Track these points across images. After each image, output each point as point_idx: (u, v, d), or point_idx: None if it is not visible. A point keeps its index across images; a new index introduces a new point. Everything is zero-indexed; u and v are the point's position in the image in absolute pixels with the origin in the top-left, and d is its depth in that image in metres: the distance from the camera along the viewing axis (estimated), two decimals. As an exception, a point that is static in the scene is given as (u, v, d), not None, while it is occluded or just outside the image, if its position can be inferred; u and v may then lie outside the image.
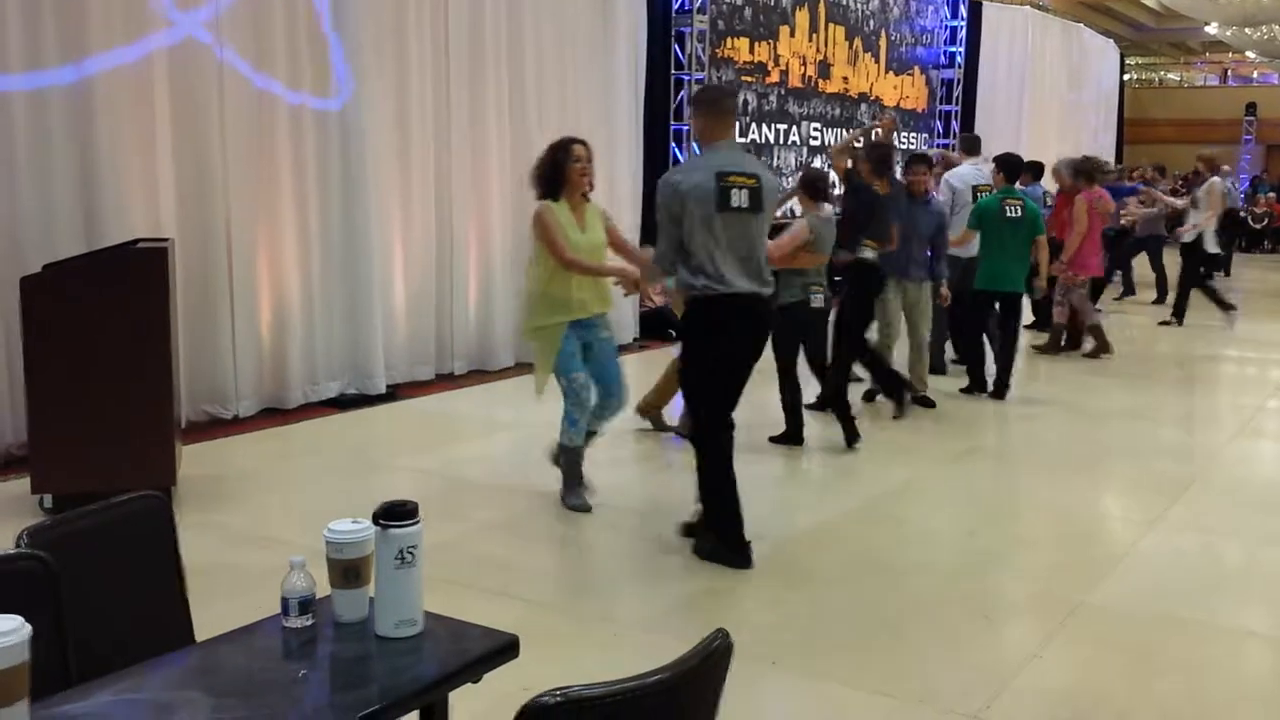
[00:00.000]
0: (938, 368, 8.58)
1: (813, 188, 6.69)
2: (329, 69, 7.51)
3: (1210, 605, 4.52)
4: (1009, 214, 8.02)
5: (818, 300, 6.62)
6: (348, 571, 2.20)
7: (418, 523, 2.21)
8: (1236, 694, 3.81)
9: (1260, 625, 4.42)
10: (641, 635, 4.11)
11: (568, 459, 5.43)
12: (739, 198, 4.57)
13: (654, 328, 10.43)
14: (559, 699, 1.63)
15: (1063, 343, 10.14)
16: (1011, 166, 8.36)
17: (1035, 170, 10.68)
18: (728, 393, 4.74)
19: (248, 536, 5.03)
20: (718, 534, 4.78)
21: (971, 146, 10.20)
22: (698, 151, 4.76)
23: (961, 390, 8.27)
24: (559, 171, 5.25)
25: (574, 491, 5.42)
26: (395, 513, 2.19)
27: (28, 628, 1.75)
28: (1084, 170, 9.96)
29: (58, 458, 5.09)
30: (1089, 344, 9.96)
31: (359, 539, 2.19)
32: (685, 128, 10.92)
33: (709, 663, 1.80)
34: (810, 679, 3.80)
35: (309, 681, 2.07)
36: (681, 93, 10.93)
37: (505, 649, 2.22)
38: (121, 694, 1.96)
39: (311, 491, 5.82)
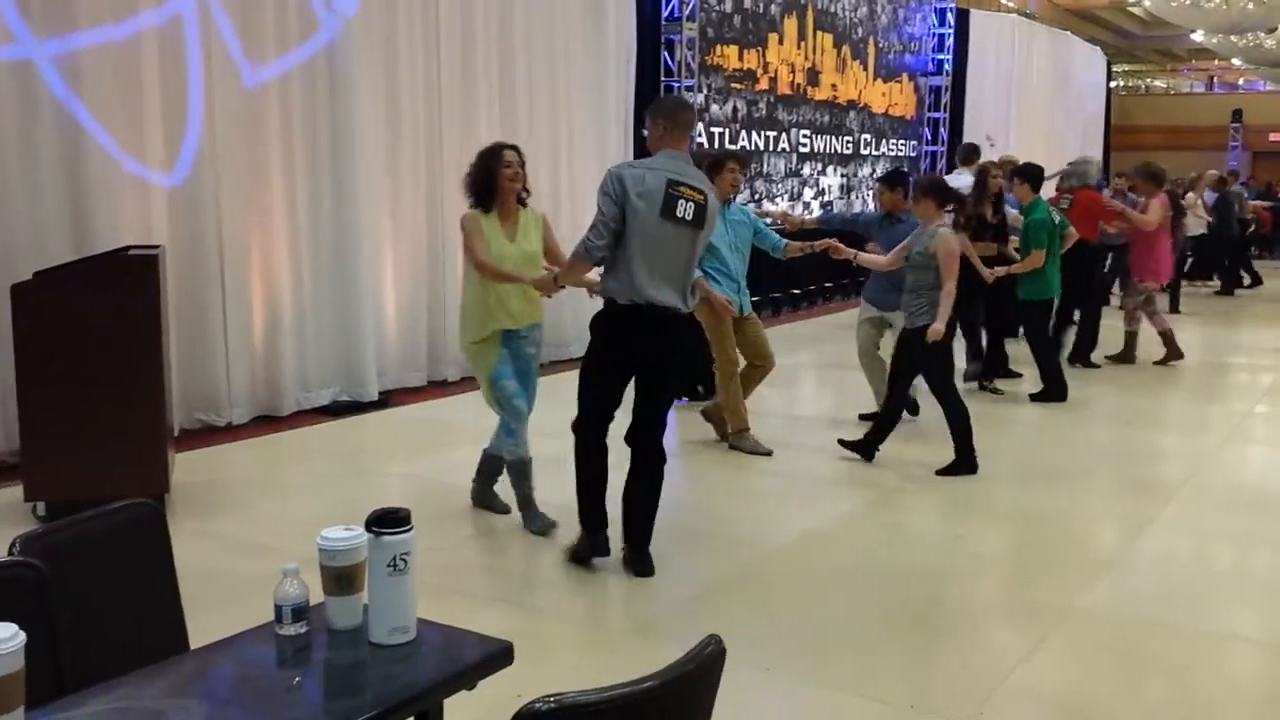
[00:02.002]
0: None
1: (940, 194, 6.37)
2: (320, 75, 7.52)
3: (1200, 609, 4.54)
4: (1055, 221, 8.28)
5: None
6: (341, 579, 2.21)
7: (410, 529, 2.21)
8: (1226, 698, 3.83)
9: (1250, 630, 4.45)
10: (635, 641, 4.12)
11: (515, 472, 5.28)
12: (684, 209, 4.48)
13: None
14: (552, 705, 1.64)
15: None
16: (1036, 177, 8.47)
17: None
18: (614, 394, 4.71)
19: (241, 544, 5.03)
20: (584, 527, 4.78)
21: (965, 156, 10.17)
22: (654, 157, 4.64)
23: (1032, 397, 8.39)
24: (491, 178, 5.09)
25: (531, 513, 5.27)
26: (388, 519, 2.20)
27: (22, 635, 1.76)
28: (1154, 174, 9.90)
29: (50, 465, 5.08)
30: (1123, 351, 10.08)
31: (352, 546, 2.20)
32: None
33: (702, 669, 1.81)
34: (803, 684, 3.81)
35: (303, 689, 2.08)
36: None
37: (499, 656, 2.22)
38: (115, 702, 1.97)
39: (304, 498, 5.82)
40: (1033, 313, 8.39)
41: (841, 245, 6.72)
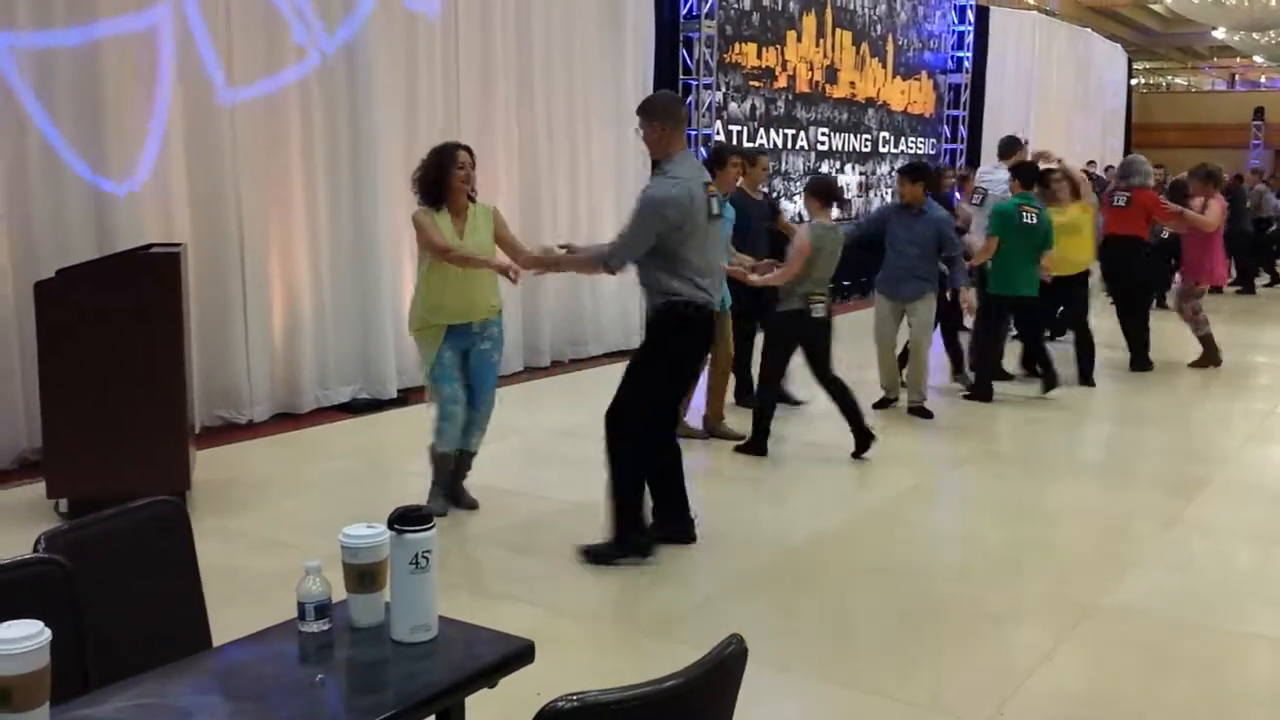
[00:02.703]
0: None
1: (823, 193, 6.58)
2: (340, 76, 7.55)
3: (1223, 608, 4.52)
4: (1025, 219, 8.03)
5: (818, 310, 6.42)
6: (363, 576, 2.22)
7: (432, 527, 2.22)
8: (1249, 697, 3.81)
9: (1273, 629, 4.41)
10: (656, 640, 4.12)
11: (435, 463, 5.40)
12: (715, 206, 4.74)
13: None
14: (574, 704, 1.63)
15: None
16: (1027, 174, 8.36)
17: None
18: (679, 400, 4.93)
19: (263, 541, 5.05)
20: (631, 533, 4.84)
21: (1004, 150, 9.97)
22: (676, 164, 4.67)
23: (964, 396, 8.26)
24: (443, 176, 5.15)
25: (433, 494, 5.37)
26: (410, 517, 2.21)
27: (48, 632, 1.77)
28: (1211, 174, 9.78)
29: (73, 462, 5.12)
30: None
31: (374, 544, 2.21)
32: (693, 133, 10.94)
33: (724, 668, 1.81)
34: (822, 684, 3.80)
35: (325, 686, 2.09)
36: (689, 98, 10.95)
37: (520, 654, 2.23)
38: (139, 698, 1.98)
39: (325, 496, 5.84)
40: (990, 306, 8.20)
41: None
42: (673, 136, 4.68)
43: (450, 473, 5.44)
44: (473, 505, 5.49)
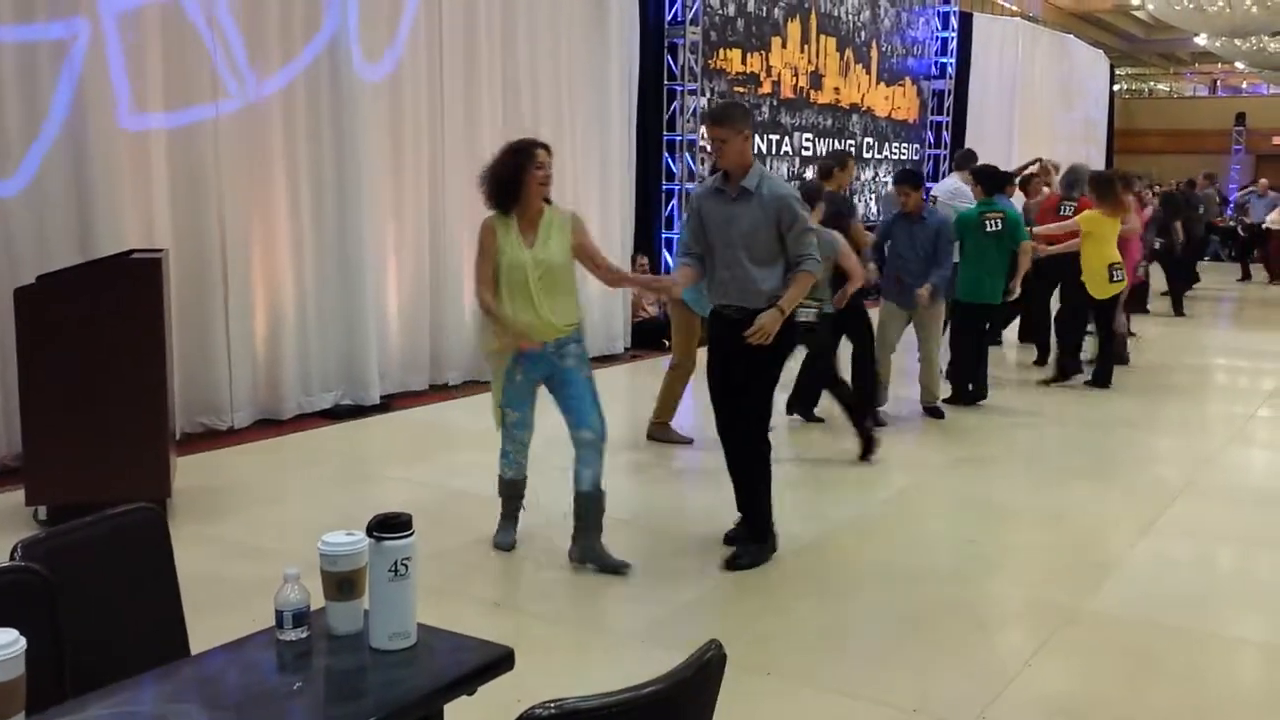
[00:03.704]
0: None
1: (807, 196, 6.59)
2: (323, 79, 7.53)
3: (1204, 611, 4.54)
4: (989, 228, 8.03)
5: (806, 315, 6.41)
6: (342, 584, 2.21)
7: (411, 534, 2.21)
8: (1231, 700, 3.83)
9: (1255, 632, 4.44)
10: (636, 646, 4.11)
11: (502, 492, 5.08)
12: None
13: (646, 338, 10.46)
14: (554, 710, 1.64)
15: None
16: (990, 179, 8.37)
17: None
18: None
19: (243, 548, 5.02)
20: (763, 535, 4.96)
21: (962, 162, 10.09)
22: (761, 166, 4.78)
23: (945, 400, 8.28)
24: (519, 177, 4.57)
25: (501, 526, 5.08)
26: (389, 524, 2.20)
27: (23, 641, 1.76)
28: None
29: (52, 469, 5.08)
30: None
31: (353, 551, 2.19)
32: (678, 138, 10.97)
33: (703, 673, 1.81)
34: (805, 688, 3.80)
35: (304, 694, 2.08)
36: (674, 103, 10.97)
37: (500, 661, 2.22)
38: (117, 706, 1.97)
39: (306, 503, 5.82)
40: (959, 313, 8.22)
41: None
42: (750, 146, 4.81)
43: (585, 519, 4.79)
44: (618, 568, 4.74)
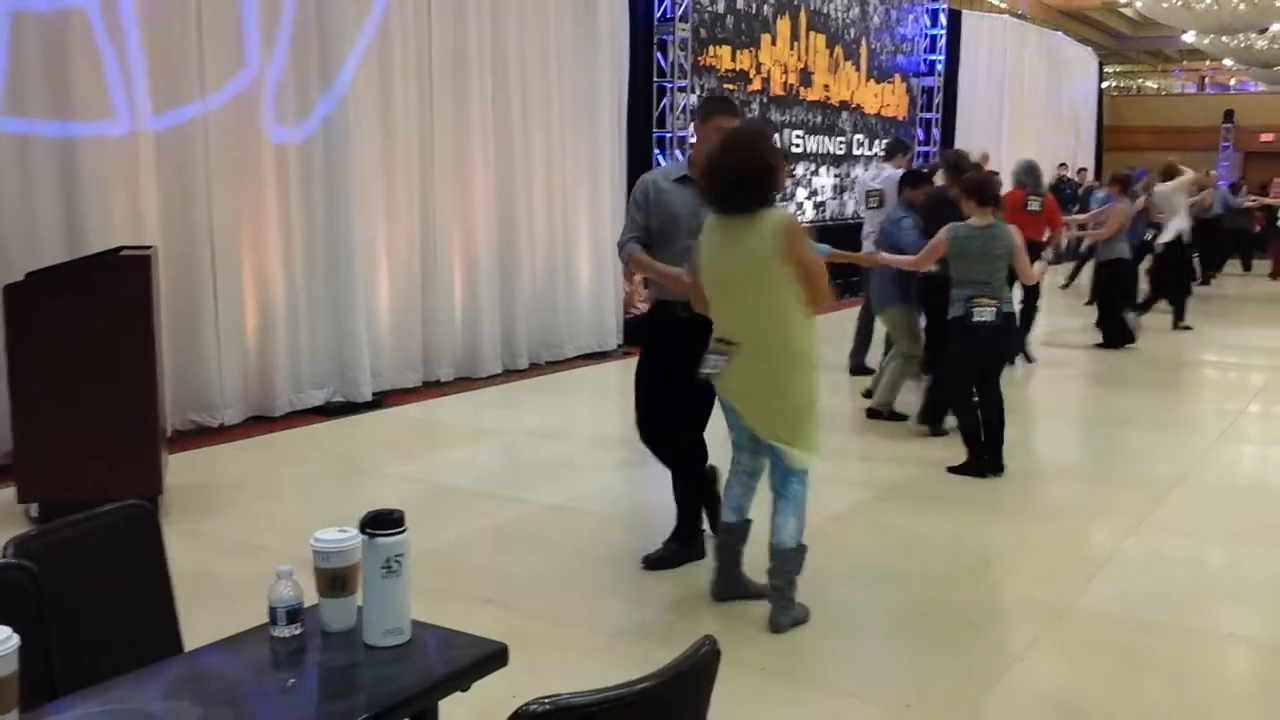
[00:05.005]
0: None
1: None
2: (313, 75, 7.51)
3: (1195, 608, 4.55)
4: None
5: (984, 314, 6.12)
6: (334, 580, 2.20)
7: (404, 531, 2.21)
8: (1222, 697, 3.84)
9: (1245, 629, 4.45)
10: (630, 643, 4.11)
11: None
12: None
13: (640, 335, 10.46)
14: (547, 707, 1.63)
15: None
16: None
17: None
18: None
19: (235, 545, 5.02)
20: (688, 536, 4.88)
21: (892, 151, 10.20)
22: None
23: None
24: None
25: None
26: (381, 521, 2.19)
27: (15, 638, 1.75)
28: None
29: (43, 466, 5.07)
30: None
31: (345, 548, 2.19)
32: (668, 135, 10.96)
33: (696, 670, 1.81)
34: (797, 685, 3.81)
35: (297, 691, 2.07)
36: (664, 100, 10.96)
37: (493, 657, 2.22)
38: (109, 704, 1.96)
39: (298, 500, 5.81)
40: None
41: None
42: None
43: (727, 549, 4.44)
44: (756, 594, 4.38)
